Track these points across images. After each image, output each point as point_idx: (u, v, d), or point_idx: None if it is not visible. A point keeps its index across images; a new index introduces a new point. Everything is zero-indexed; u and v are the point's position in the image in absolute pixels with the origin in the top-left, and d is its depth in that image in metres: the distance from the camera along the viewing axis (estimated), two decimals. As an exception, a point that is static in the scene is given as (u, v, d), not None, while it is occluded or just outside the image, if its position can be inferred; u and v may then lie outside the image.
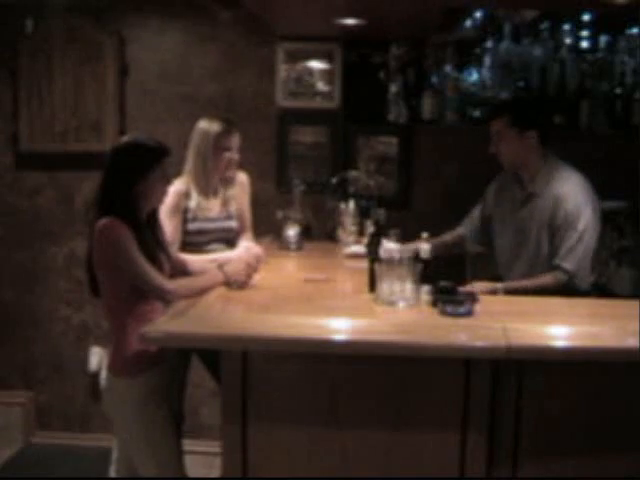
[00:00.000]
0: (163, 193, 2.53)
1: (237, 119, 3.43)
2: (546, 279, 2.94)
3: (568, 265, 2.91)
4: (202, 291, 2.54)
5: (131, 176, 2.42)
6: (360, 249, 3.31)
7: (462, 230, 3.43)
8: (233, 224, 3.24)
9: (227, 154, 3.14)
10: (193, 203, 3.11)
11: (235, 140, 3.17)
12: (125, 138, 2.57)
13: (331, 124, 4.08)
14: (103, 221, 2.36)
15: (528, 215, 3.08)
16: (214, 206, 3.19)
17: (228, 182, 3.24)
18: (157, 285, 2.40)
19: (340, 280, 3.07)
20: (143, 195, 2.45)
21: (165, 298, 2.45)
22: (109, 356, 2.49)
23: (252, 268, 2.71)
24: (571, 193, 2.97)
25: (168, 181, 2.54)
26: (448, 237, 3.39)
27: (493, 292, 2.83)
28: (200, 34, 4.08)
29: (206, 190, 3.15)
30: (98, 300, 2.51)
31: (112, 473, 2.64)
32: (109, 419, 2.55)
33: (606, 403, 2.14)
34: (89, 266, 2.45)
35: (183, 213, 3.10)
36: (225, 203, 3.23)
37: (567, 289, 2.88)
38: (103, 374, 2.49)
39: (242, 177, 3.34)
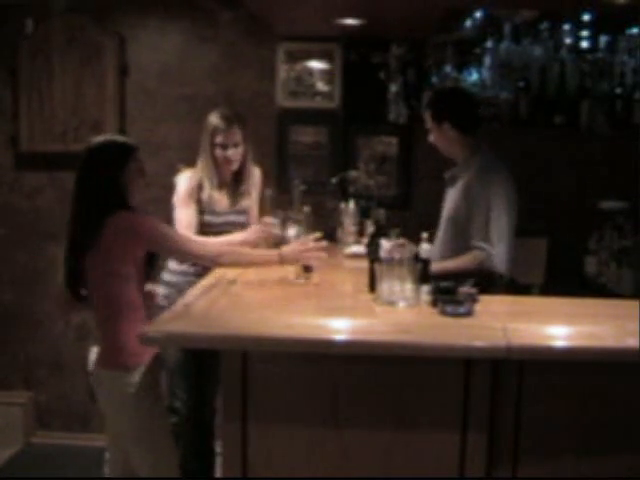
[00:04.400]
0: (140, 186, 2.59)
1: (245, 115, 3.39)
2: (465, 258, 3.02)
3: (487, 247, 2.97)
4: (250, 264, 2.79)
5: (112, 170, 2.49)
6: (360, 249, 3.31)
7: None
8: (242, 219, 3.21)
9: (219, 151, 3.12)
10: (205, 195, 3.13)
11: (231, 137, 3.11)
12: (96, 140, 2.59)
13: (331, 124, 4.08)
14: (125, 214, 2.46)
15: (448, 198, 3.22)
16: (223, 200, 3.18)
17: (240, 177, 3.21)
18: (202, 254, 2.65)
19: (340, 280, 3.07)
20: (126, 188, 2.52)
21: (214, 262, 2.69)
22: (102, 352, 2.53)
23: (307, 247, 2.79)
24: (485, 182, 3.02)
25: (144, 174, 2.60)
26: None
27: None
28: (200, 34, 4.08)
29: (212, 184, 3.15)
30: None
31: (105, 475, 2.65)
32: (105, 416, 2.55)
33: (606, 403, 2.14)
34: (76, 269, 2.48)
35: (197, 203, 3.13)
36: (235, 197, 3.21)
37: (485, 270, 2.95)
38: (101, 373, 2.51)
39: (255, 172, 3.31)
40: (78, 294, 2.55)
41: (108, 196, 2.47)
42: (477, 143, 3.13)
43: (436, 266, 2.90)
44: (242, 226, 3.22)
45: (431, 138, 3.20)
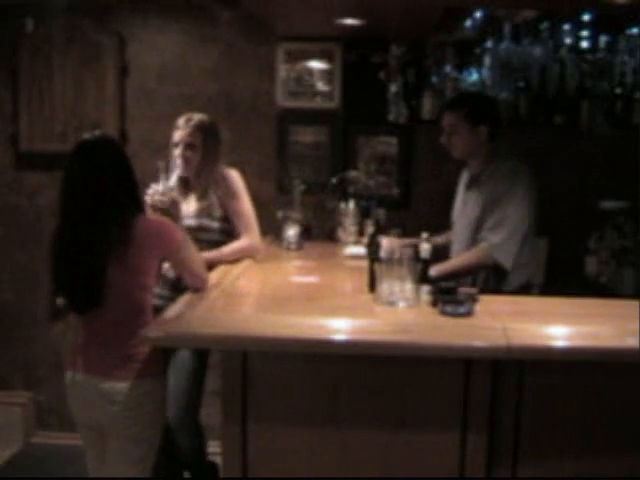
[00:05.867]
0: None
1: (236, 117, 3.38)
2: (470, 253, 3.03)
3: (492, 237, 2.97)
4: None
5: (131, 168, 2.46)
6: (360, 250, 3.30)
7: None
8: (191, 222, 3.06)
9: (174, 149, 3.10)
10: None
11: (184, 136, 3.08)
12: (94, 135, 2.50)
13: (331, 124, 4.08)
14: (152, 218, 2.50)
15: (469, 202, 3.18)
16: (182, 203, 3.09)
17: (196, 179, 3.14)
18: (205, 278, 2.59)
19: (340, 280, 3.07)
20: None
21: (203, 289, 2.58)
22: (132, 365, 2.39)
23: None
24: (508, 183, 3.02)
25: None
26: (439, 239, 3.36)
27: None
28: (200, 34, 4.08)
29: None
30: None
31: None
32: (107, 434, 2.45)
33: (606, 403, 2.14)
34: (93, 278, 2.33)
35: None
36: (191, 200, 3.14)
37: (492, 265, 2.96)
38: (111, 385, 2.38)
39: (229, 176, 3.16)
40: (92, 303, 2.36)
41: (133, 195, 2.41)
42: (495, 147, 3.14)
43: (439, 267, 2.89)
44: (197, 230, 3.06)
45: (443, 139, 3.17)
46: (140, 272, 2.38)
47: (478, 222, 3.09)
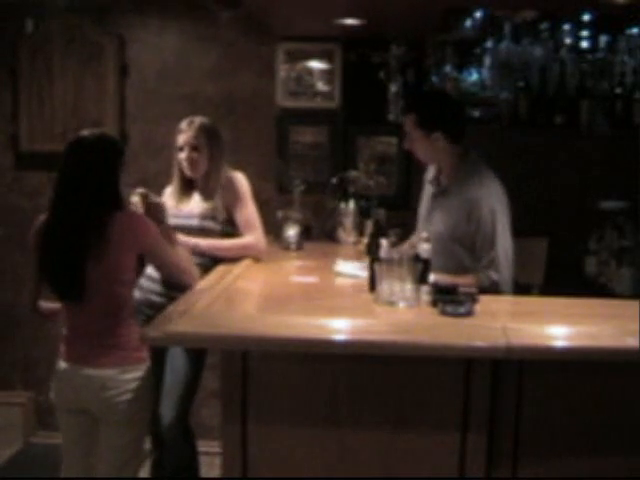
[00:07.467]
0: None
1: (234, 117, 3.38)
2: (471, 279, 2.81)
3: (490, 275, 2.82)
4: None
5: (118, 168, 2.48)
6: (352, 270, 3.01)
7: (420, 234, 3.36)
8: (193, 222, 3.08)
9: (179, 153, 3.12)
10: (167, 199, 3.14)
11: (188, 139, 3.09)
12: (91, 132, 2.55)
13: (331, 124, 4.08)
14: (128, 214, 2.47)
15: (439, 211, 2.99)
16: (183, 204, 3.14)
17: (204, 181, 3.15)
18: (194, 275, 2.64)
19: (340, 280, 3.06)
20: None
21: (192, 286, 2.60)
22: (118, 352, 2.45)
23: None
24: (484, 197, 2.84)
25: None
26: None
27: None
28: (200, 34, 4.08)
29: (175, 187, 3.18)
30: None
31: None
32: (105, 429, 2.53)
33: (606, 403, 2.14)
34: (81, 263, 2.38)
35: None
36: (194, 202, 3.15)
37: (490, 292, 2.78)
38: (98, 372, 2.45)
39: (236, 179, 3.18)
40: (72, 296, 2.44)
41: (114, 194, 2.44)
42: (464, 150, 2.96)
43: (441, 279, 2.80)
44: (195, 230, 3.07)
45: (407, 145, 2.99)
46: (117, 268, 2.42)
47: (446, 238, 2.90)
